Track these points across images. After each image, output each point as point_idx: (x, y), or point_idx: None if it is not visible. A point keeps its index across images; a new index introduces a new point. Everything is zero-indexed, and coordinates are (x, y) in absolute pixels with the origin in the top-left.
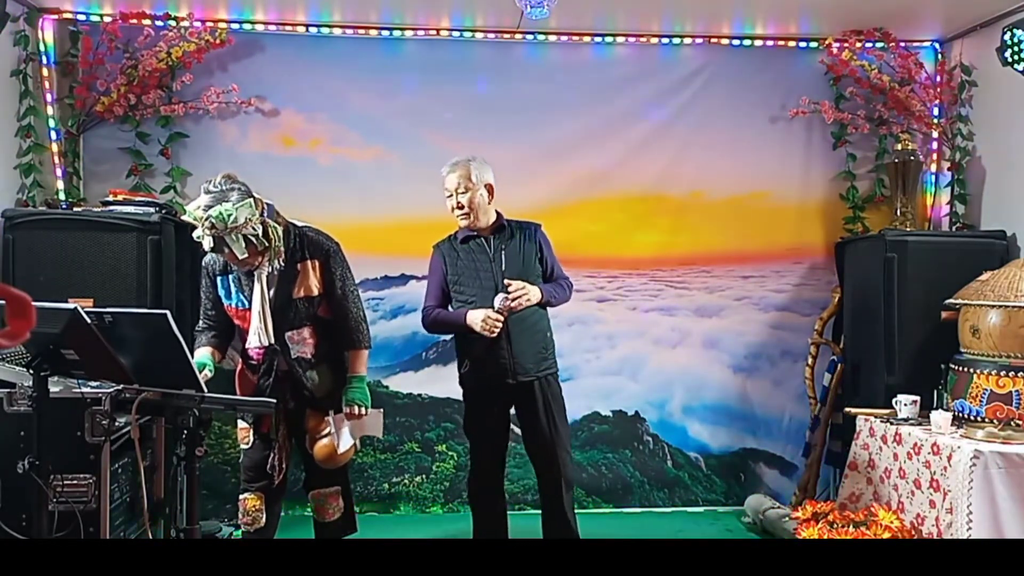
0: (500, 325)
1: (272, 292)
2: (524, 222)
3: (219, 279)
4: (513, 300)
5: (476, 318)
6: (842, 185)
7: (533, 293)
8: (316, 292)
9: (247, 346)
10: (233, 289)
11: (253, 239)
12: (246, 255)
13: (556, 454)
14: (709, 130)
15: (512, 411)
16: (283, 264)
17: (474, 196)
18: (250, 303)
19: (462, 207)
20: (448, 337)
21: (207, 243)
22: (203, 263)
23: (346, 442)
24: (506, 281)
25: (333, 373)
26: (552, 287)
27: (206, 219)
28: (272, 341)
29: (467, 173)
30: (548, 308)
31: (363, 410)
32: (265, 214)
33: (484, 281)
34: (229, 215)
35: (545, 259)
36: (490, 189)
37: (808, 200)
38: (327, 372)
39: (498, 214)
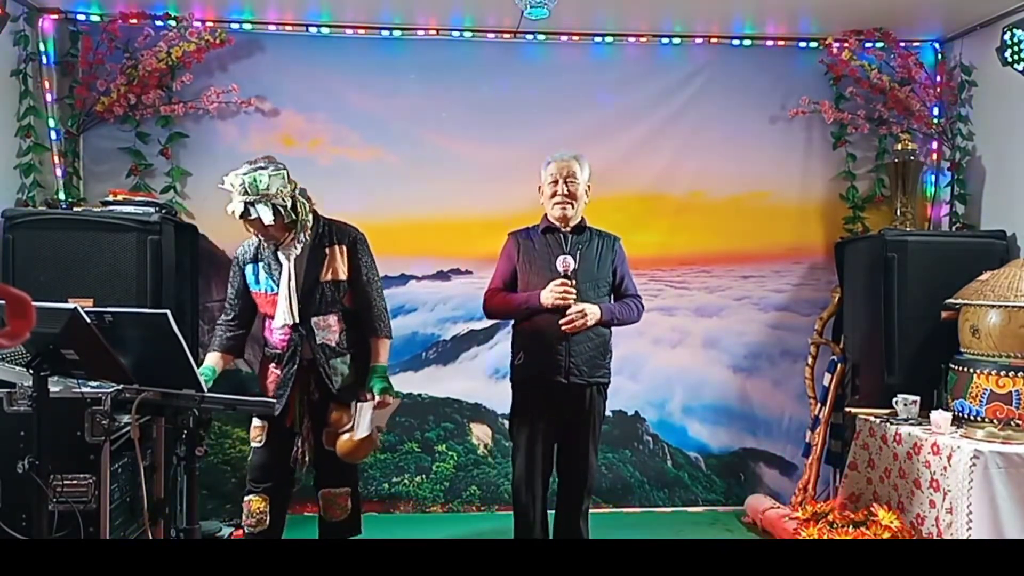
0: (573, 291)
1: (300, 275)
2: (605, 231)
3: (248, 267)
4: (567, 323)
5: (547, 292)
6: (842, 185)
7: (591, 312)
8: (343, 277)
9: (273, 327)
10: (262, 275)
11: (281, 209)
12: (272, 223)
13: (587, 461)
14: (709, 130)
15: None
16: (308, 238)
17: (578, 189)
18: (278, 287)
19: (569, 195)
20: (448, 337)
21: (238, 207)
22: (234, 255)
23: (363, 431)
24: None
25: (356, 364)
26: (619, 306)
27: (240, 183)
28: (298, 320)
29: (577, 166)
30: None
31: (390, 398)
32: (296, 191)
33: (554, 275)
34: (261, 181)
35: (618, 270)
36: (588, 189)
37: (808, 200)
38: (351, 362)
39: (582, 217)
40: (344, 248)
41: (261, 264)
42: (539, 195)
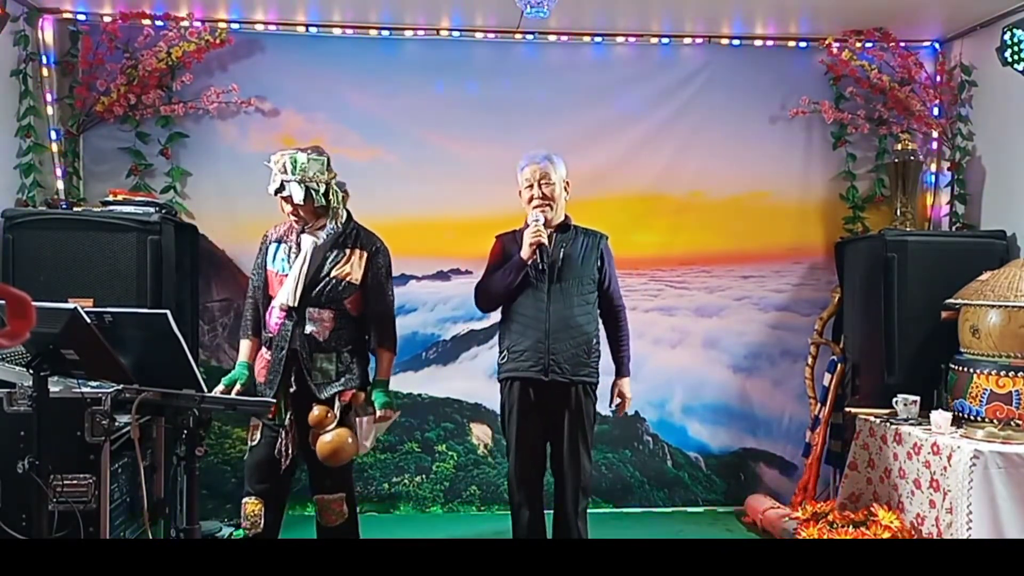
0: (542, 230)
1: (315, 263)
2: (592, 229)
3: (272, 245)
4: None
5: (524, 241)
6: (842, 185)
7: (627, 389)
8: (354, 280)
9: (272, 307)
10: (281, 256)
11: (313, 192)
12: (301, 203)
13: (578, 462)
14: (709, 130)
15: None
16: (335, 230)
17: (554, 190)
18: (290, 269)
19: (545, 198)
20: (448, 337)
21: (275, 183)
22: (264, 234)
23: (368, 444)
24: (618, 400)
25: (339, 365)
26: (625, 348)
27: (281, 161)
28: (296, 304)
29: (550, 166)
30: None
31: (391, 412)
32: (333, 181)
33: (537, 271)
34: (300, 161)
35: (604, 269)
36: (566, 186)
37: (808, 200)
38: (331, 361)
39: (566, 216)
40: (365, 254)
41: (283, 245)
42: (519, 199)
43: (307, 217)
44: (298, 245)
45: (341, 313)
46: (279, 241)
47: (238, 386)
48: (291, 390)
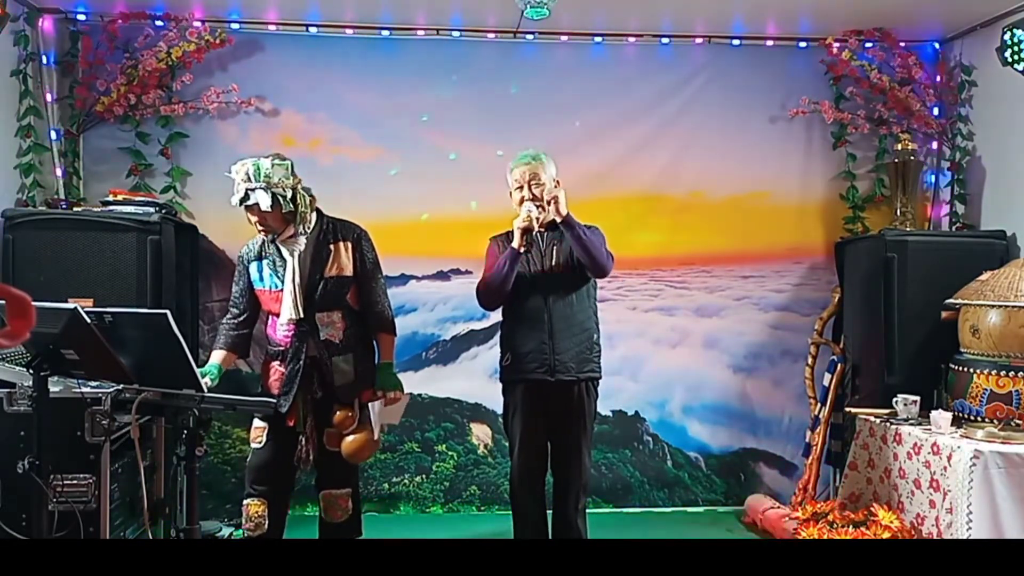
0: (532, 217)
1: (305, 270)
2: (583, 224)
3: (252, 264)
4: (540, 199)
5: (515, 230)
6: (842, 185)
7: (563, 200)
8: (348, 272)
9: (277, 324)
10: (267, 273)
11: (280, 198)
12: (269, 210)
13: (580, 459)
14: (709, 130)
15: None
16: (312, 234)
17: (545, 190)
18: (283, 284)
19: (536, 199)
20: (448, 337)
21: (238, 195)
22: (238, 254)
23: (378, 431)
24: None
25: (357, 364)
26: (591, 232)
27: (244, 170)
28: (303, 315)
29: (540, 166)
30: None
31: (399, 394)
32: (299, 186)
33: (533, 271)
34: (263, 168)
35: None
36: (557, 184)
37: (808, 200)
38: (352, 361)
39: None
40: (349, 244)
41: (265, 261)
42: (510, 199)
43: (275, 225)
44: (281, 257)
45: (347, 310)
46: (259, 258)
47: (207, 380)
48: (317, 396)
